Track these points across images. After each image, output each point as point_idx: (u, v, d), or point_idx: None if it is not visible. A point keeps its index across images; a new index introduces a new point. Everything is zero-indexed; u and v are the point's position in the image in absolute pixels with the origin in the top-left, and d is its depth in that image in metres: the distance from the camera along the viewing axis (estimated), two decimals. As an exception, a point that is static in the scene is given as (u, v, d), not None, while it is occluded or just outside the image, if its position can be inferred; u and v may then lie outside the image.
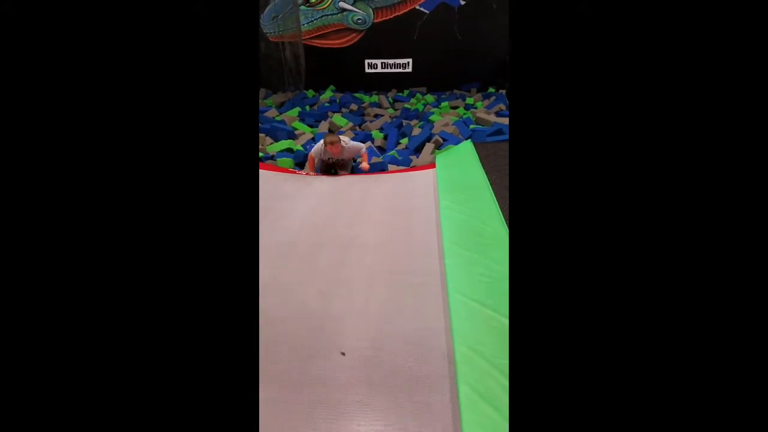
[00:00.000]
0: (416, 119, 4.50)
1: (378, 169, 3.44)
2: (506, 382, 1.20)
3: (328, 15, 5.70)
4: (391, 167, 3.43)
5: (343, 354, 1.42)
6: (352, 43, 5.80)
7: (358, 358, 1.41)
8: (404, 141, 3.92)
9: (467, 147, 3.19)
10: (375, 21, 5.65)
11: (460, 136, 3.76)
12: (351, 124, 4.38)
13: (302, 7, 5.68)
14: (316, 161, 3.20)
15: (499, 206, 2.20)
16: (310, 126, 4.40)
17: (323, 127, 4.34)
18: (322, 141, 3.10)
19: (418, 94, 5.51)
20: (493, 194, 2.35)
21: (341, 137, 3.15)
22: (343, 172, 3.23)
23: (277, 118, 4.49)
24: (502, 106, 4.68)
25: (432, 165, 3.23)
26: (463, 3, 5.43)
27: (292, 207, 2.59)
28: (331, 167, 3.24)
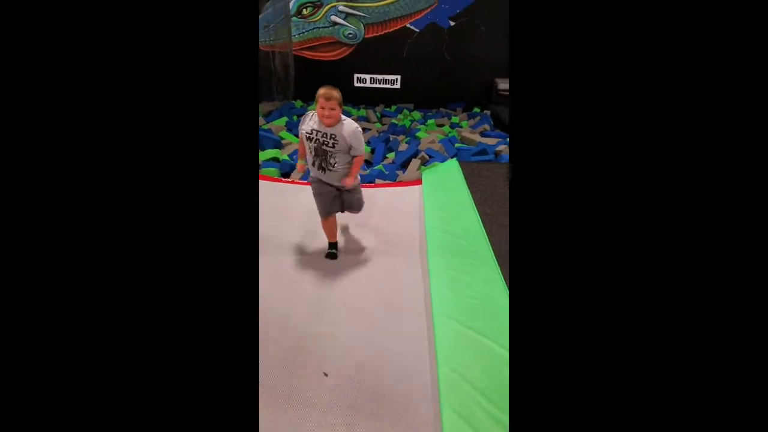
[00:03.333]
0: (403, 135, 4.56)
1: (365, 182, 3.46)
2: (488, 405, 1.21)
3: (319, 28, 5.75)
4: (377, 181, 3.46)
5: (326, 375, 1.39)
6: (342, 56, 5.85)
7: (342, 380, 1.39)
8: (391, 156, 3.96)
9: (453, 165, 3.25)
10: (366, 36, 5.74)
11: (445, 153, 3.83)
12: (338, 137, 4.39)
13: (294, 18, 5.72)
14: (307, 147, 1.99)
15: (484, 227, 2.24)
16: (297, 136, 4.38)
17: (310, 138, 4.32)
18: (311, 112, 1.95)
19: (406, 110, 5.59)
20: (478, 214, 2.39)
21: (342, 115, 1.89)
22: (345, 188, 1.98)
23: (264, 127, 4.46)
24: (487, 127, 4.81)
25: (418, 181, 3.27)
26: (452, 24, 5.59)
27: (276, 224, 2.55)
28: (321, 160, 1.92)
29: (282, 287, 1.89)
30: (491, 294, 1.71)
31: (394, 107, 5.77)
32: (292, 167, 3.58)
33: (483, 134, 4.48)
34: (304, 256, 2.16)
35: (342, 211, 2.13)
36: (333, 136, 1.87)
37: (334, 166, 1.92)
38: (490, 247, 2.04)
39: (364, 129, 4.87)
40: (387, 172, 3.60)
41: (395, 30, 5.67)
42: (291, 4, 5.63)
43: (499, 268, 1.87)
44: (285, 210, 2.71)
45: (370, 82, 5.91)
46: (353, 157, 1.93)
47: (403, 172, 3.61)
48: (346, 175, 1.94)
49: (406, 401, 1.32)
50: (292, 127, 4.62)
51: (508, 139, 4.17)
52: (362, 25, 5.69)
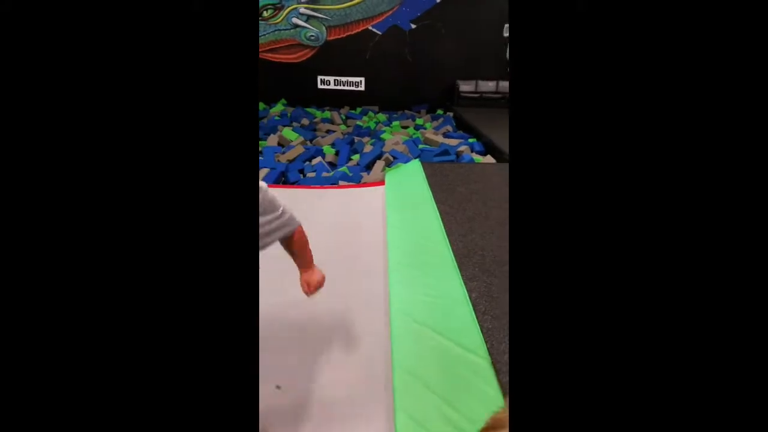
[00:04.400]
0: (368, 137, 4.53)
1: (328, 183, 3.40)
2: (445, 408, 1.18)
3: (280, 30, 5.65)
4: (341, 183, 3.40)
5: (279, 387, 1.33)
6: (304, 58, 5.77)
7: (295, 391, 1.33)
8: (355, 157, 3.92)
9: (416, 166, 3.25)
10: (328, 39, 5.69)
11: (409, 155, 3.84)
12: (302, 139, 4.31)
13: (253, 20, 5.58)
14: None
15: (444, 225, 2.24)
16: (259, 139, 4.26)
17: (272, 140, 4.22)
18: None
19: (371, 112, 5.58)
20: (439, 213, 2.39)
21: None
22: None
23: (223, 130, 4.30)
24: (449, 128, 4.87)
25: (381, 182, 3.25)
26: (413, 27, 5.65)
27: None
28: None
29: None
30: (449, 291, 1.70)
31: (359, 109, 5.74)
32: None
33: (446, 135, 4.53)
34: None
35: None
36: None
37: None
38: (449, 245, 2.04)
39: (328, 131, 4.78)
40: (351, 174, 3.56)
41: (357, 32, 5.66)
42: (250, 5, 5.50)
43: (456, 266, 1.86)
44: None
45: (334, 84, 5.86)
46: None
47: (368, 174, 3.58)
48: None
49: (361, 408, 1.27)
50: (253, 130, 4.49)
51: (469, 140, 4.25)
52: (324, 28, 5.64)
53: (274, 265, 2.01)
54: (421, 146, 4.03)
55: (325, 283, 1.86)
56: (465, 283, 1.72)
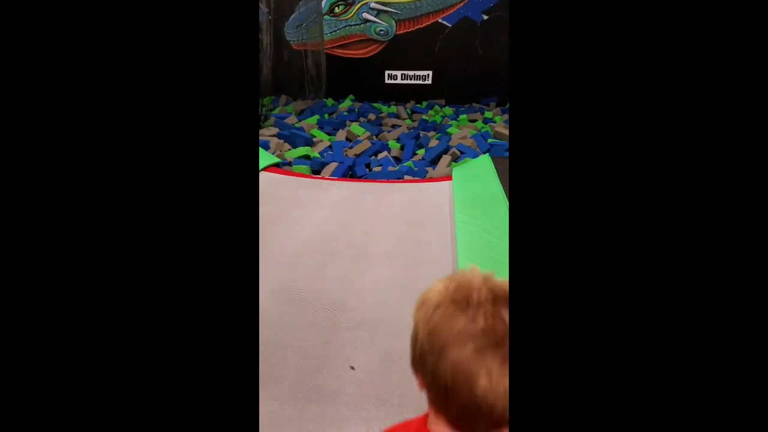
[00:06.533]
0: (434, 131, 4.49)
1: (394, 177, 3.44)
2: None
3: (351, 25, 5.79)
4: (406, 178, 3.43)
5: (353, 368, 1.39)
6: (373, 53, 5.86)
7: (368, 374, 1.38)
8: (421, 152, 3.92)
9: (485, 161, 3.16)
10: (397, 33, 5.71)
11: (477, 149, 3.74)
12: (368, 134, 4.41)
13: (326, 17, 5.79)
14: None
15: (517, 223, 2.16)
16: (328, 134, 4.44)
17: (341, 135, 4.37)
18: None
19: (437, 106, 5.51)
20: (511, 211, 2.31)
21: None
22: None
23: (296, 125, 4.55)
24: (522, 122, 4.64)
25: (448, 177, 3.21)
26: (485, 18, 5.45)
27: (305, 214, 2.59)
28: None
29: (307, 277, 1.90)
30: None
31: (425, 103, 5.70)
32: (323, 165, 3.63)
33: (517, 129, 4.33)
34: (330, 244, 2.17)
35: None
36: None
37: None
38: (523, 245, 1.96)
39: (393, 125, 4.84)
40: (416, 169, 3.56)
41: (427, 25, 5.60)
42: (323, 3, 5.71)
43: (532, 267, 1.79)
44: (315, 202, 2.74)
45: (402, 79, 5.88)
46: None
47: (433, 169, 3.55)
48: None
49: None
50: (324, 125, 4.68)
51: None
52: (394, 22, 5.67)
53: (345, 251, 2.10)
54: (490, 140, 3.90)
55: (395, 275, 1.90)
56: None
